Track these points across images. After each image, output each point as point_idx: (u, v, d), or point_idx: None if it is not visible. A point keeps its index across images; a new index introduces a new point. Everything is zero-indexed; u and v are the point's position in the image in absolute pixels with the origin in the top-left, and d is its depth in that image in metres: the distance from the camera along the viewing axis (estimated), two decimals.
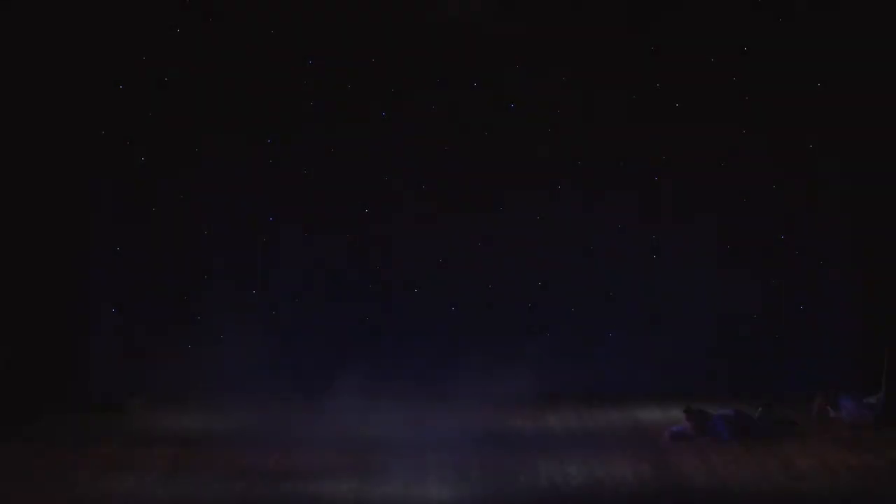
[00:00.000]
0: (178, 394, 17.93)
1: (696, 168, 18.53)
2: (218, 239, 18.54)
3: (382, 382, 17.67)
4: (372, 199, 18.62)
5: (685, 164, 18.51)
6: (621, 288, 18.73)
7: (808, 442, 15.85)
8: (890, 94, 17.98)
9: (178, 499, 13.59)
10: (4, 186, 17.91)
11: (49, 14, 17.82)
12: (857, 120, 18.09)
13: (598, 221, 18.67)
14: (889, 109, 17.99)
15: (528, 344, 18.19)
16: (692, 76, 18.32)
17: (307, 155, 18.49)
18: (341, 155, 18.49)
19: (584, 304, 18.76)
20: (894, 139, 18.04)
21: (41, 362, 17.88)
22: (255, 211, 18.56)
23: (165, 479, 14.25)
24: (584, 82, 18.35)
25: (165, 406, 17.66)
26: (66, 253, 18.18)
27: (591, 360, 18.61)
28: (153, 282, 18.48)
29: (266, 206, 18.57)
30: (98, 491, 13.82)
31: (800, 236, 18.68)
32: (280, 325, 18.45)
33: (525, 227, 18.64)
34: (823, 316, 18.68)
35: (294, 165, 18.51)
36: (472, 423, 16.51)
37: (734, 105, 18.37)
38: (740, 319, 18.68)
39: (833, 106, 18.21)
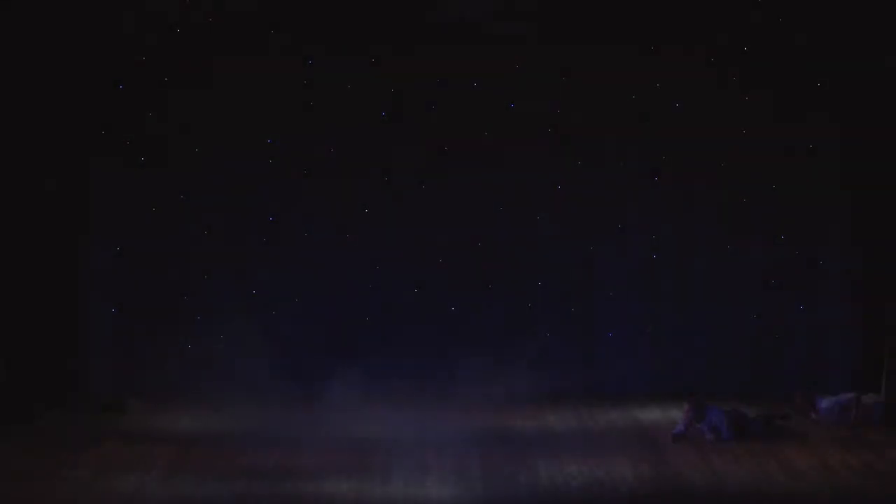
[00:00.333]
0: (177, 394, 17.93)
1: (696, 168, 18.53)
2: (218, 239, 18.54)
3: (382, 382, 17.69)
4: (372, 199, 18.62)
5: (685, 163, 18.51)
6: (621, 288, 18.73)
7: (808, 442, 15.85)
8: (890, 93, 17.97)
9: (178, 499, 13.60)
10: (4, 186, 17.91)
11: (49, 14, 17.81)
12: (858, 119, 18.10)
13: (599, 221, 18.67)
14: (889, 109, 17.98)
15: (528, 344, 18.18)
16: (692, 76, 18.33)
17: (307, 155, 18.49)
18: (341, 155, 18.49)
19: (584, 304, 18.76)
20: (894, 139, 18.03)
21: (41, 362, 17.89)
22: (255, 211, 18.57)
23: (165, 479, 14.26)
24: (585, 82, 18.35)
25: (165, 406, 17.67)
26: (66, 253, 18.18)
27: (591, 360, 18.63)
28: (153, 282, 18.48)
29: (266, 206, 18.58)
30: (98, 491, 13.83)
31: (800, 236, 18.67)
32: (280, 325, 18.44)
33: (525, 227, 18.63)
34: (823, 316, 18.67)
35: (294, 165, 18.50)
36: (472, 423, 16.52)
37: (734, 105, 18.35)
38: (740, 319, 18.69)
39: (833, 106, 18.22)
